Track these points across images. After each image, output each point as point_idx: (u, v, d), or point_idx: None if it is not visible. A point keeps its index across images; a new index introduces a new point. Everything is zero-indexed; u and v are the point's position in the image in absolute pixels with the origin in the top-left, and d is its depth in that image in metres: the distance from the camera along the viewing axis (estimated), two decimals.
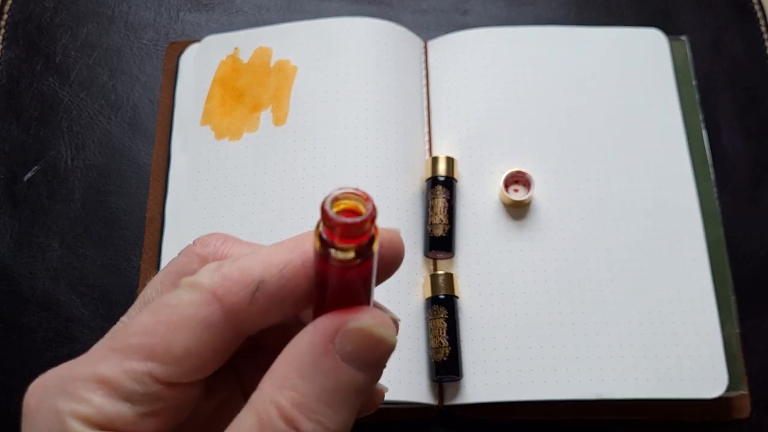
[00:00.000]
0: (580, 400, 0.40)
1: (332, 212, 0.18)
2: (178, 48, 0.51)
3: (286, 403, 0.19)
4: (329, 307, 0.20)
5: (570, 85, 0.48)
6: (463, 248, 0.44)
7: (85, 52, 0.52)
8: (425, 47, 0.50)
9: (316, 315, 0.21)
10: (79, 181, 0.48)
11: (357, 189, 0.19)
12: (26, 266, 0.46)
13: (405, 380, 0.40)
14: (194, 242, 0.24)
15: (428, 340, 0.42)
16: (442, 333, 0.41)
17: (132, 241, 0.47)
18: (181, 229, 0.45)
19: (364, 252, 0.19)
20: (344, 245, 0.19)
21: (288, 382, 0.19)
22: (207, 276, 0.21)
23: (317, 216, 0.19)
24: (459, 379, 0.41)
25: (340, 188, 0.19)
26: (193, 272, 0.21)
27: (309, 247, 0.20)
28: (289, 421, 0.19)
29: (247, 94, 0.48)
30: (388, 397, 0.37)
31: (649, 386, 0.40)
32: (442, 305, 0.42)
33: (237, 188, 0.45)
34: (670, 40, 0.49)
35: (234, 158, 0.46)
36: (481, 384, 0.41)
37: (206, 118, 0.47)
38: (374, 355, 0.20)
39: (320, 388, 0.19)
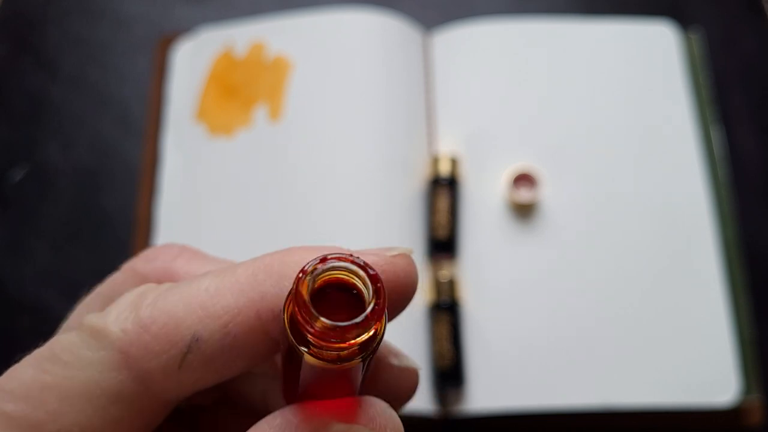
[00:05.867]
0: (585, 412, 0.39)
1: (309, 301, 0.12)
2: (169, 42, 0.49)
3: None
4: (303, 391, 0.14)
5: (579, 80, 0.46)
6: (467, 251, 0.43)
7: (75, 48, 0.51)
8: (430, 39, 0.49)
9: (287, 395, 0.15)
10: (69, 182, 0.47)
11: (352, 255, 0.13)
12: (15, 270, 0.45)
13: None
14: (140, 255, 0.18)
15: (430, 347, 0.40)
16: (446, 339, 0.40)
17: (123, 243, 0.45)
18: (173, 229, 0.44)
19: (361, 355, 0.13)
20: (330, 348, 0.12)
21: None
22: (117, 321, 0.15)
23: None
24: (463, 386, 0.40)
25: (326, 255, 0.12)
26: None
27: (269, 289, 0.14)
28: None
29: (242, 89, 0.46)
30: None
31: (658, 393, 0.39)
32: (446, 311, 0.40)
33: (232, 185, 0.44)
34: (681, 34, 0.48)
35: (229, 155, 0.45)
36: (486, 390, 0.40)
37: (201, 114, 0.46)
38: None
39: None
